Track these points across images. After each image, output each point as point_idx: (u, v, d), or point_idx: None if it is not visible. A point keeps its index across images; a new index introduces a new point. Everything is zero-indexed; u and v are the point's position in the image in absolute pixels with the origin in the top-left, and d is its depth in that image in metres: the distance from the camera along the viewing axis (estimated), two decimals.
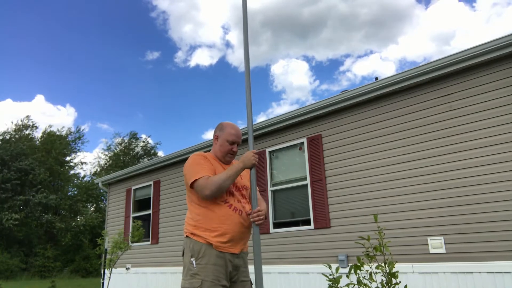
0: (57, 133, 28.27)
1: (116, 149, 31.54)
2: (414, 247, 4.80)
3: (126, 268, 9.17)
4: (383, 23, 40.98)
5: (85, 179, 29.03)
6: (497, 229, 4.24)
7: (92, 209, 27.56)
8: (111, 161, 30.68)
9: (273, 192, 6.64)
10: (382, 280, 2.66)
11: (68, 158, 28.44)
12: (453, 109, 4.80)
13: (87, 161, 45.43)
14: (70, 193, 26.73)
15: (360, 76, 42.83)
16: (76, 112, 42.29)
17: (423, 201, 4.83)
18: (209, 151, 2.55)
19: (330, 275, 2.90)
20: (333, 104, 5.90)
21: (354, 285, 2.70)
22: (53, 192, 24.42)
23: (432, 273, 4.61)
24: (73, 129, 30.75)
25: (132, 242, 7.97)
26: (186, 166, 2.34)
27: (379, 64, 43.45)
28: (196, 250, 2.17)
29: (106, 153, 31.70)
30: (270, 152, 6.84)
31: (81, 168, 32.35)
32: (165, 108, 46.06)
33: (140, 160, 30.87)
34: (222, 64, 44.49)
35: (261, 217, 2.21)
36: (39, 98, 41.40)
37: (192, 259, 2.16)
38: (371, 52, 46.34)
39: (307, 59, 45.04)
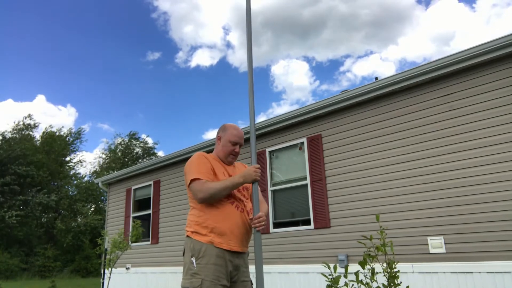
0: (57, 133, 28.28)
1: (118, 148, 31.54)
2: (414, 247, 4.80)
3: (126, 268, 9.17)
4: (383, 23, 41.02)
5: (85, 179, 29.08)
6: (497, 229, 4.24)
7: (92, 209, 27.56)
8: (109, 160, 30.66)
9: (273, 192, 6.64)
10: (384, 284, 2.66)
11: (68, 158, 28.46)
12: (453, 109, 4.80)
13: (87, 160, 45.52)
14: (70, 193, 26.75)
15: (360, 76, 42.89)
16: (77, 112, 42.34)
17: (423, 201, 4.83)
18: (209, 151, 2.57)
19: (330, 275, 2.90)
20: (333, 104, 5.90)
21: (353, 285, 2.71)
22: (53, 192, 24.42)
23: (432, 273, 4.61)
24: (73, 129, 30.76)
25: (131, 242, 7.97)
26: (187, 165, 2.38)
27: (379, 65, 43.50)
28: (196, 249, 2.18)
29: (107, 153, 31.72)
30: (270, 152, 6.85)
31: (81, 165, 32.36)
32: (165, 108, 46.13)
33: (140, 160, 30.86)
34: (223, 64, 44.55)
35: (262, 223, 2.21)
36: (40, 98, 41.48)
37: (192, 259, 2.17)
38: (371, 53, 46.42)
39: (308, 59, 45.11)
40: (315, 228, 5.85)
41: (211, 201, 2.23)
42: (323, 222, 5.77)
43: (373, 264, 2.74)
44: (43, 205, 22.55)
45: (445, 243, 4.58)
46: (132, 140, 32.01)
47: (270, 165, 6.80)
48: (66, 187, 27.05)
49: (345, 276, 2.76)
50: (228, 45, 43.77)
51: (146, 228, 8.77)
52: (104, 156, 31.68)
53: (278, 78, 46.22)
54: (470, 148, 4.58)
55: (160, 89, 45.44)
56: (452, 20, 41.33)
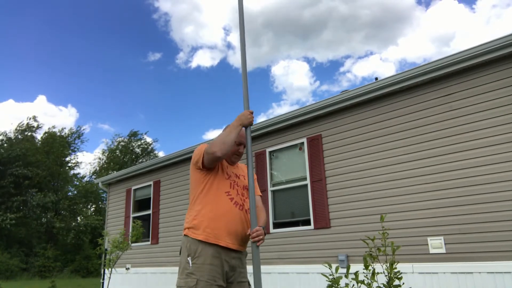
0: (58, 134, 28.26)
1: (118, 148, 31.52)
2: (414, 247, 4.80)
3: (126, 268, 9.17)
4: (384, 24, 41.00)
5: (84, 179, 29.07)
6: (497, 229, 4.24)
7: (92, 209, 27.55)
8: (108, 161, 30.65)
9: (273, 192, 6.64)
10: (384, 284, 2.66)
11: (67, 159, 28.44)
12: (453, 109, 4.80)
13: (87, 161, 45.52)
14: (70, 193, 26.75)
15: (360, 77, 42.85)
16: (77, 113, 42.26)
17: (423, 201, 4.83)
18: None
19: (330, 275, 2.89)
20: (333, 104, 5.90)
21: (354, 286, 2.70)
22: (53, 192, 24.40)
23: (432, 273, 4.60)
24: (74, 129, 30.68)
25: (131, 242, 7.97)
26: (195, 151, 2.39)
27: (379, 65, 43.46)
28: (192, 249, 2.18)
29: (107, 153, 31.71)
30: (270, 152, 6.84)
31: (81, 163, 32.37)
32: (166, 108, 46.08)
33: (139, 160, 30.85)
34: (223, 65, 44.49)
35: (261, 237, 2.17)
36: (41, 99, 41.39)
37: (188, 258, 2.17)
38: (371, 53, 46.39)
39: (308, 60, 45.07)
40: (315, 228, 5.85)
41: (228, 150, 2.24)
42: (323, 222, 5.76)
43: (374, 264, 2.74)
44: (41, 206, 22.52)
45: (445, 243, 4.58)
46: (133, 141, 32.01)
47: (270, 165, 6.80)
48: (67, 187, 27.05)
49: (346, 276, 2.75)
50: (229, 46, 43.73)
51: (146, 228, 8.77)
52: (104, 157, 31.68)
53: (278, 79, 46.22)
54: (469, 148, 4.58)
55: (160, 89, 45.46)
56: (452, 20, 41.36)
